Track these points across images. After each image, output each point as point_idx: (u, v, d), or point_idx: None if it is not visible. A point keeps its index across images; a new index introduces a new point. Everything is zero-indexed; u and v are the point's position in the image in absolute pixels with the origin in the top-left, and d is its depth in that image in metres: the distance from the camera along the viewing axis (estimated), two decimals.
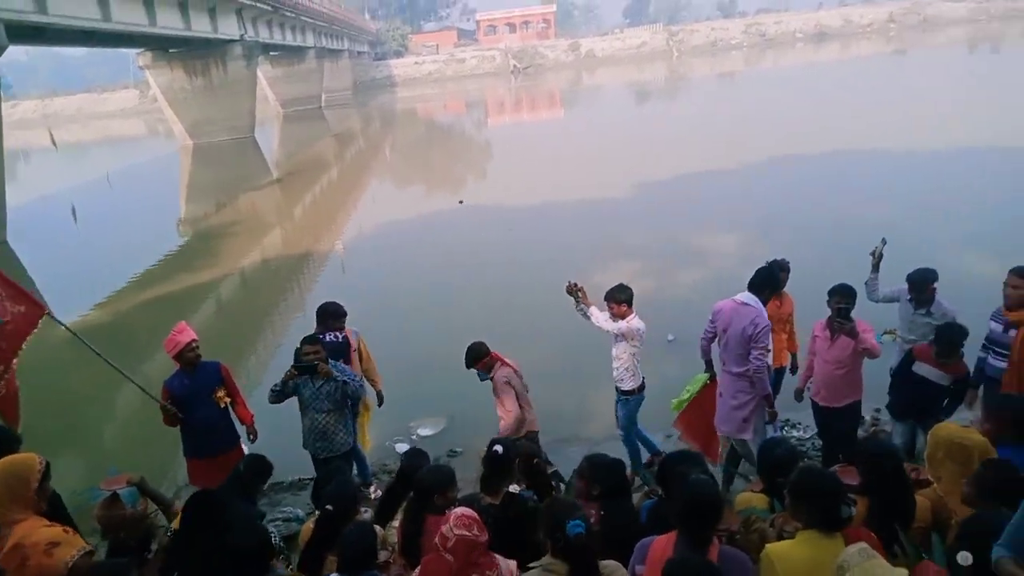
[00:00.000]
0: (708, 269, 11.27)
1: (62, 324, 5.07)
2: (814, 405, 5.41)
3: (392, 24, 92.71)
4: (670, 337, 8.60)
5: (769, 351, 5.06)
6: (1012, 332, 4.79)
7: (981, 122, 20.44)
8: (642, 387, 5.66)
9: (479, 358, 5.38)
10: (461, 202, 18.63)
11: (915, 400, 5.00)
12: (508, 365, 5.40)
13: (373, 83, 79.81)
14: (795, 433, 6.35)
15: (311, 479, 5.92)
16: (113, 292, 14.23)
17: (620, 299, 5.51)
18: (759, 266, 5.37)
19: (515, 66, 76.62)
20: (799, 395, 5.63)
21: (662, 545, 2.85)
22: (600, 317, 5.49)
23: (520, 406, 5.29)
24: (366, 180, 27.23)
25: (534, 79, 69.65)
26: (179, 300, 13.30)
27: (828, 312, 5.15)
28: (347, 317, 6.02)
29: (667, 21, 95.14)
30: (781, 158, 18.98)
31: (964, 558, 2.42)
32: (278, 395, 5.29)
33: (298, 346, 5.34)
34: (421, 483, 3.63)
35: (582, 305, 5.50)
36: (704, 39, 78.72)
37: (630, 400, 5.68)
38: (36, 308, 4.71)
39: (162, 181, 32.75)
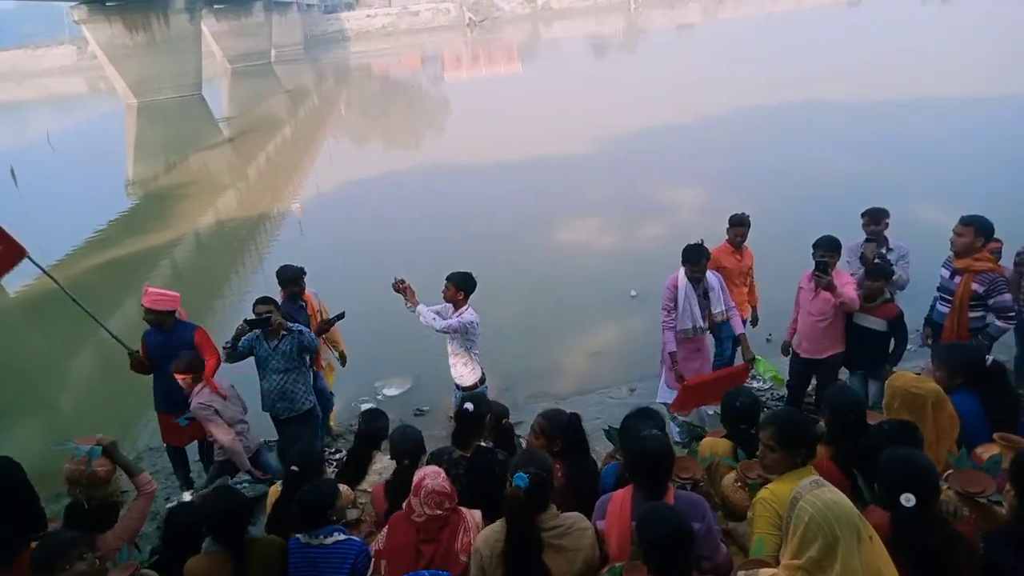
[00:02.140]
0: (671, 224, 11.34)
1: (42, 269, 5.06)
2: (794, 356, 5.46)
3: None
4: (633, 293, 8.70)
5: (669, 312, 5.33)
6: (958, 279, 4.95)
7: (934, 72, 20.81)
8: (483, 379, 5.43)
9: (188, 371, 4.91)
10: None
11: (861, 351, 5.14)
12: (215, 388, 4.96)
13: (325, 37, 77.32)
14: (755, 384, 6.52)
15: (276, 441, 5.91)
16: (62, 257, 13.74)
17: (459, 284, 5.20)
18: (730, 215, 5.92)
19: (471, 19, 74.93)
20: (786, 349, 5.60)
21: (619, 499, 2.95)
22: (428, 315, 5.13)
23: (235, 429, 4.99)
24: (322, 138, 26.59)
25: (491, 32, 68.32)
26: (132, 264, 12.95)
27: (809, 264, 5.10)
28: (307, 276, 5.96)
29: None
30: (742, 110, 19.12)
31: (907, 499, 2.51)
32: (230, 353, 5.21)
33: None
34: (414, 445, 3.74)
35: (410, 304, 5.14)
36: None
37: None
38: (15, 249, 4.90)
39: (107, 141, 31.45)
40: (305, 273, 5.94)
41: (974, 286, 4.85)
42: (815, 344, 5.22)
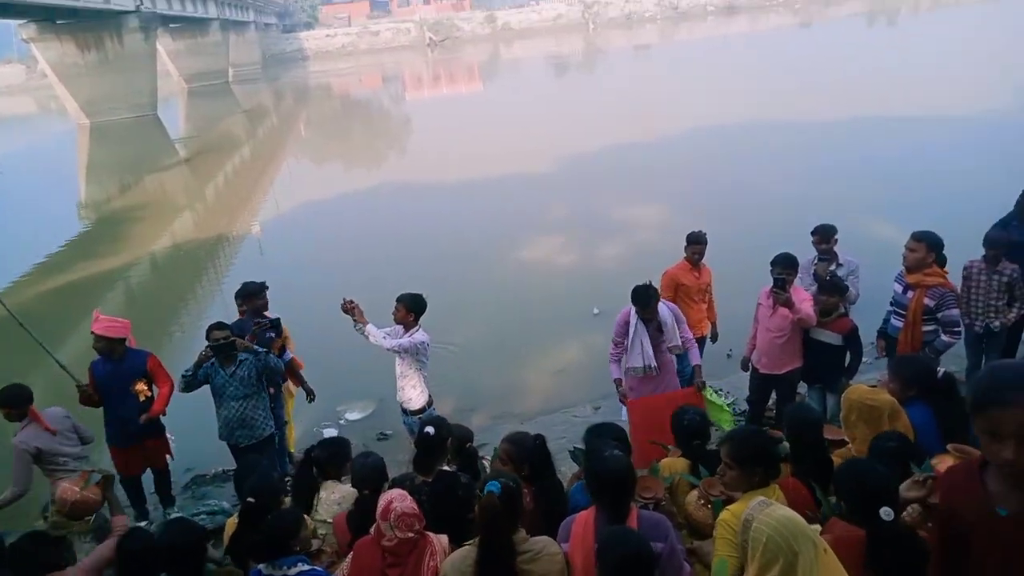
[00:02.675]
0: (632, 242, 11.44)
1: None
2: (754, 372, 5.52)
3: None
4: (595, 311, 8.73)
5: (616, 345, 5.35)
6: (910, 293, 5.08)
7: (887, 92, 21.50)
8: (430, 403, 5.36)
9: (12, 405, 4.49)
10: None
11: (818, 365, 5.24)
12: (45, 426, 4.51)
13: (283, 56, 76.83)
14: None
15: (235, 470, 5.76)
16: (10, 283, 13.30)
17: (410, 305, 5.13)
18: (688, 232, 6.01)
19: (431, 39, 75.18)
20: (745, 364, 5.64)
21: (583, 521, 2.93)
22: (378, 335, 5.01)
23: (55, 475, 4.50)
24: (281, 158, 26.31)
25: (451, 52, 68.64)
26: (85, 289, 12.58)
27: (767, 281, 5.15)
28: (268, 291, 5.86)
29: None
30: (701, 129, 19.47)
31: (887, 513, 2.54)
32: (188, 382, 5.08)
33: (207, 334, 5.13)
34: (376, 473, 3.65)
35: (359, 324, 5.00)
36: (619, 12, 79.17)
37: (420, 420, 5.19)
38: None
39: (58, 162, 30.64)
40: (267, 287, 5.83)
41: (926, 300, 4.98)
42: (774, 360, 5.29)
